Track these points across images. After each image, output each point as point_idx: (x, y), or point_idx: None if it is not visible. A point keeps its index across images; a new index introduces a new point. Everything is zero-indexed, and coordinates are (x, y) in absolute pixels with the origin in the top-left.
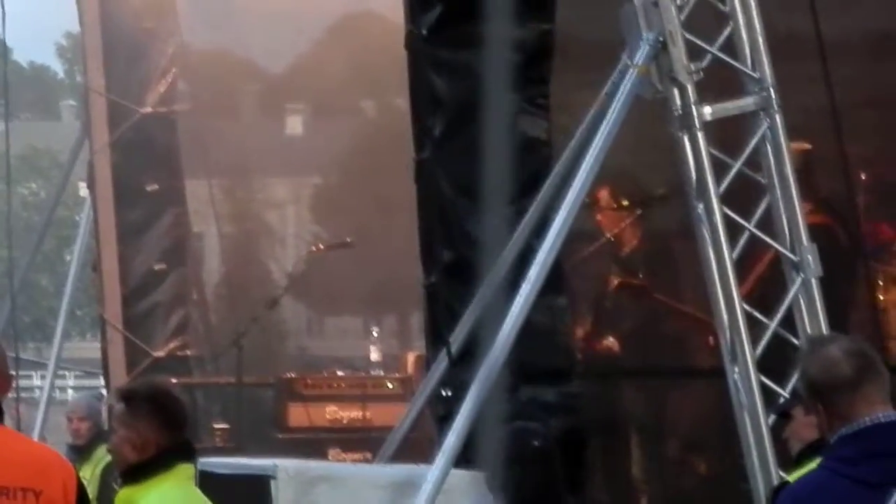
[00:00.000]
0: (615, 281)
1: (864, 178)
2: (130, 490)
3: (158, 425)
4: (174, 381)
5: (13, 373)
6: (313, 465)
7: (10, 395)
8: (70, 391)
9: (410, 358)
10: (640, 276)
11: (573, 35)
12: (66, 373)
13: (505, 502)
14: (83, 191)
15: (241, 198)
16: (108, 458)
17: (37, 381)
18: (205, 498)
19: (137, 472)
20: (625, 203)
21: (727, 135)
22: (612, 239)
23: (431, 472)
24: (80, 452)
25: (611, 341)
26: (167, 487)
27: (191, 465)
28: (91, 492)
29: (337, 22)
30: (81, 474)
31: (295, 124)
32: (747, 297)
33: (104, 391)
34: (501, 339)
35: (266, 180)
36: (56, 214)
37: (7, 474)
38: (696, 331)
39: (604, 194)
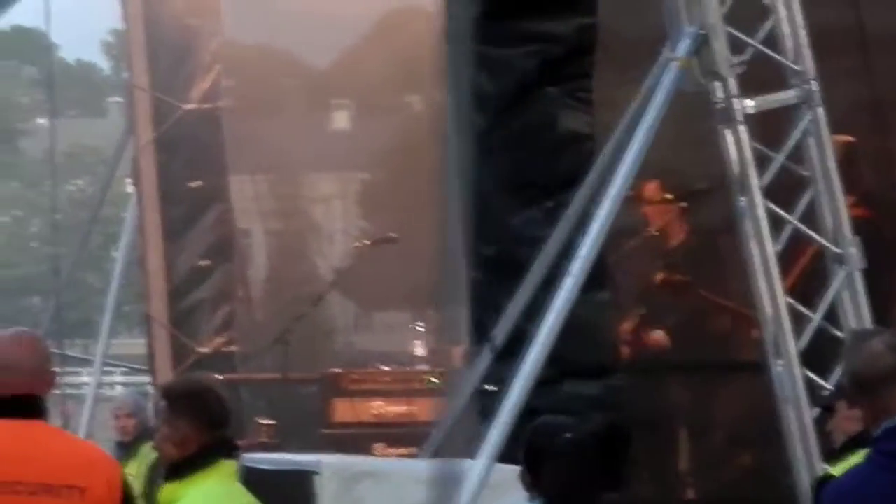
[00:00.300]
0: (660, 276)
1: None
2: (173, 486)
3: (198, 423)
4: (219, 377)
5: (57, 370)
6: (357, 461)
7: (57, 391)
8: (117, 388)
9: (456, 352)
10: (684, 271)
11: (617, 31)
12: (113, 370)
13: (539, 497)
14: (129, 188)
15: (287, 194)
16: (154, 455)
17: (84, 378)
18: (247, 494)
19: (180, 468)
20: (670, 197)
21: (770, 128)
22: (658, 233)
23: (475, 467)
24: (127, 449)
25: (658, 335)
26: (209, 484)
27: (233, 461)
28: (137, 489)
29: (381, 17)
30: (127, 471)
31: (340, 120)
32: (791, 291)
33: (150, 388)
34: (544, 333)
35: (311, 176)
36: (102, 212)
37: (52, 472)
38: (740, 325)
39: (651, 188)
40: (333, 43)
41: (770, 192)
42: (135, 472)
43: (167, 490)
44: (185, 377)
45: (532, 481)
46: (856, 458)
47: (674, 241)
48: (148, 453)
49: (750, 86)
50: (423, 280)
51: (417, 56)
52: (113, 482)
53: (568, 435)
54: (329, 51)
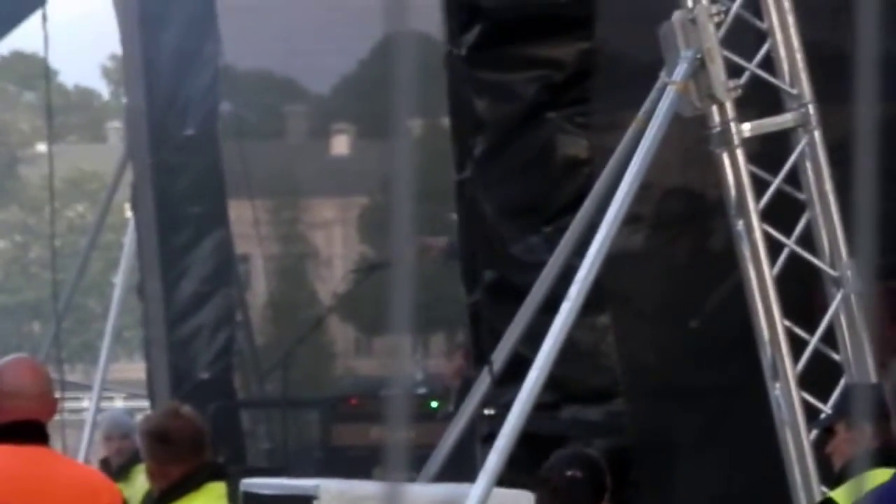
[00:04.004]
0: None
1: None
2: None
3: (166, 457)
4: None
5: (58, 395)
6: (356, 485)
7: (56, 417)
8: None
9: (450, 368)
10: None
11: (614, 55)
12: (113, 395)
13: None
14: (129, 213)
15: (287, 219)
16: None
17: (85, 404)
18: None
19: (166, 494)
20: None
21: (766, 152)
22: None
23: (474, 492)
24: (118, 471)
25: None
26: None
27: (221, 483)
28: None
29: (381, 42)
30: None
31: (339, 145)
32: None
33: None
34: (542, 357)
35: (311, 201)
36: (102, 237)
37: (54, 497)
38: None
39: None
40: (333, 68)
41: (768, 215)
42: (127, 494)
43: None
44: (156, 411)
45: None
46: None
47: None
48: (139, 477)
49: (751, 110)
50: (423, 304)
51: (418, 81)
52: None
53: (568, 473)
54: (329, 76)
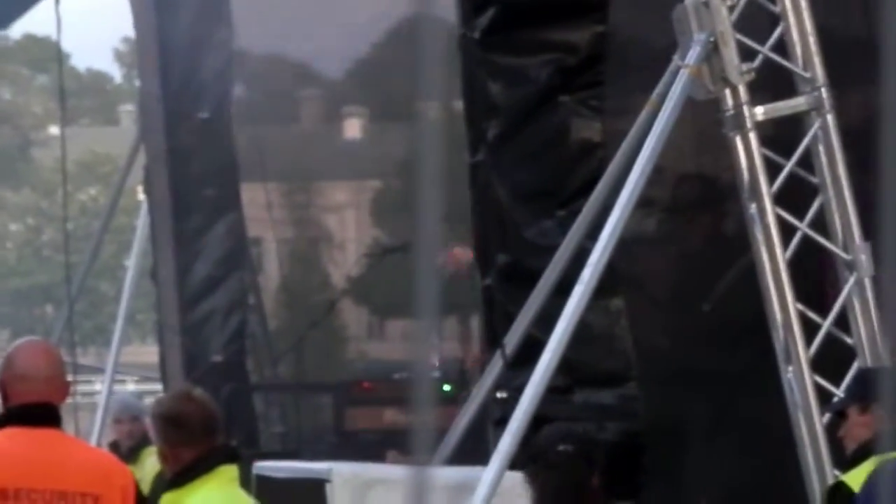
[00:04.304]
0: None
1: None
2: (173, 494)
3: (178, 440)
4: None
5: (70, 379)
6: (368, 468)
7: (69, 400)
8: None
9: (469, 357)
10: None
11: (627, 38)
12: (126, 378)
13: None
14: (141, 196)
15: (299, 202)
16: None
17: (98, 387)
18: (249, 498)
19: (179, 477)
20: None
21: (780, 135)
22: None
23: (486, 474)
24: (128, 453)
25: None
26: (209, 489)
27: (233, 466)
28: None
29: (395, 25)
30: None
31: (352, 128)
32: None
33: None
34: (555, 341)
35: (325, 185)
36: (115, 220)
37: (66, 479)
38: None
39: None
40: (346, 51)
41: (781, 199)
42: (137, 477)
43: (167, 499)
44: (168, 394)
45: (526, 482)
46: (869, 466)
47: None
48: (149, 460)
49: (765, 93)
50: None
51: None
52: (127, 490)
53: (562, 448)
54: (342, 59)
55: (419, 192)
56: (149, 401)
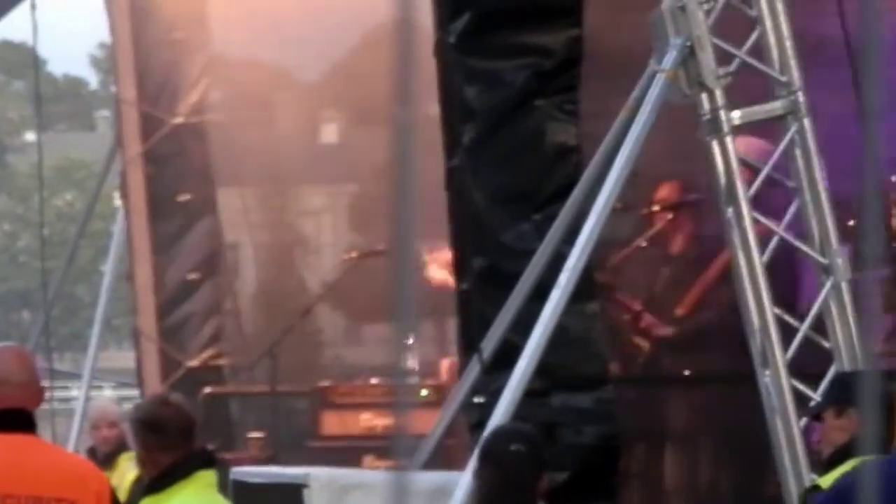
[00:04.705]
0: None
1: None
2: (151, 499)
3: (156, 445)
4: (207, 390)
5: (46, 384)
6: (345, 473)
7: (46, 406)
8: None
9: (444, 364)
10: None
11: (603, 42)
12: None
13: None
14: (118, 202)
15: (276, 207)
16: (134, 468)
17: (74, 393)
18: (227, 503)
19: (157, 481)
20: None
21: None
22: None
23: (464, 479)
24: (104, 459)
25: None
26: (186, 494)
27: (211, 472)
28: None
29: (371, 30)
30: None
31: (329, 133)
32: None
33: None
34: (532, 345)
35: (300, 189)
36: (91, 226)
37: (42, 485)
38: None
39: (668, 188)
40: (323, 56)
41: (759, 203)
42: (114, 483)
43: (145, 503)
44: (147, 400)
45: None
46: (846, 469)
47: (674, 250)
48: (127, 466)
49: (738, 97)
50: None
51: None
52: (102, 496)
53: (512, 447)
54: (318, 64)
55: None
56: (127, 406)
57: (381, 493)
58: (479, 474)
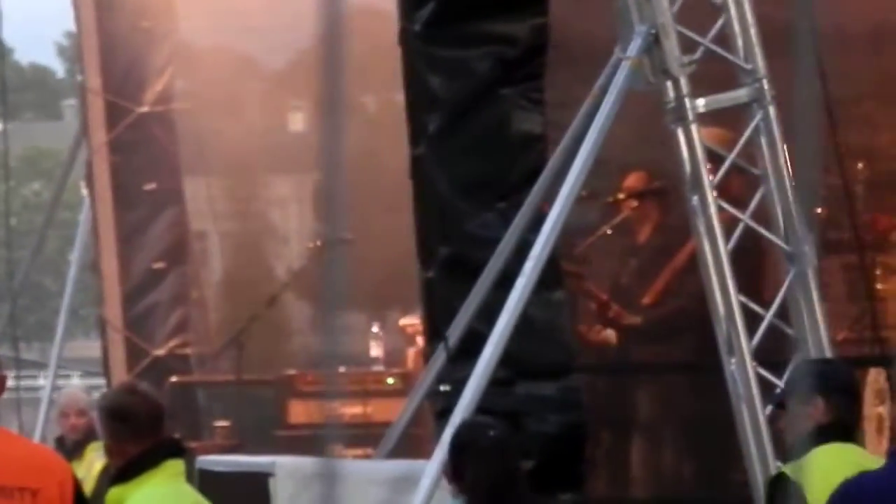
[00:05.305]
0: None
1: (860, 168)
2: (119, 489)
3: (124, 435)
4: (173, 379)
5: (7, 373)
6: (311, 462)
7: (12, 396)
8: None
9: (410, 353)
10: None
11: (568, 30)
12: (69, 373)
13: (462, 495)
14: (84, 191)
15: (242, 196)
16: (102, 458)
17: (41, 382)
18: (195, 493)
19: (125, 471)
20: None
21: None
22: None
23: (430, 467)
24: (72, 448)
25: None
26: (154, 484)
27: (179, 461)
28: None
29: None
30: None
31: (295, 121)
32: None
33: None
34: (497, 333)
35: (267, 178)
36: (58, 215)
37: (5, 474)
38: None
39: (635, 178)
40: (289, 44)
41: (724, 191)
42: (81, 474)
43: (113, 493)
44: (113, 389)
45: (454, 477)
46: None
47: (641, 238)
48: (94, 456)
49: (704, 85)
50: (380, 282)
51: (373, 58)
52: (65, 485)
53: (491, 433)
54: (285, 52)
55: (328, 184)
56: (95, 395)
57: (348, 481)
58: (453, 465)
